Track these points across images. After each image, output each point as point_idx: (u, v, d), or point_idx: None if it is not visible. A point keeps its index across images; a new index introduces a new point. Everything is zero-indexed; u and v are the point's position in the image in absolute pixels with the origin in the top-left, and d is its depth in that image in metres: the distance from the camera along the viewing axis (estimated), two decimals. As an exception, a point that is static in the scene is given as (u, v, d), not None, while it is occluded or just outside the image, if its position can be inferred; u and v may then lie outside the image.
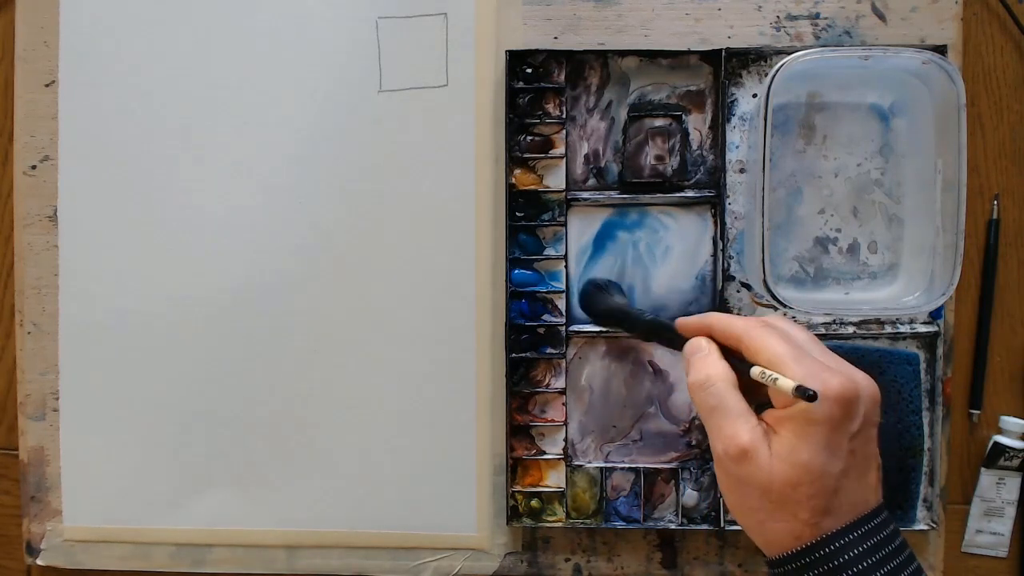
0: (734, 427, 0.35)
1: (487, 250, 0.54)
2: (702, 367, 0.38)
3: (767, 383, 0.35)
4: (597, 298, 0.52)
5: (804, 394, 0.33)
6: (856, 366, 0.36)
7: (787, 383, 0.34)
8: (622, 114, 0.54)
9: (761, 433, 0.35)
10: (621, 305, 0.51)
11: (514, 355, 0.54)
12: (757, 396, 0.37)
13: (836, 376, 0.34)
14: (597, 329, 0.54)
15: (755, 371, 0.36)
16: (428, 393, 0.55)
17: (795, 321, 0.40)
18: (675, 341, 0.42)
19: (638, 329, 0.49)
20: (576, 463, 0.55)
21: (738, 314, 0.53)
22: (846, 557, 0.33)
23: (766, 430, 0.35)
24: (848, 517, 0.34)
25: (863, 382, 0.35)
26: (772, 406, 0.36)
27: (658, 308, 0.54)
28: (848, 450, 0.34)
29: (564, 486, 0.55)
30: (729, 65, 0.53)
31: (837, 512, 0.34)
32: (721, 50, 0.52)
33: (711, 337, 0.39)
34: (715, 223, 0.54)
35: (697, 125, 0.54)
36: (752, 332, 0.37)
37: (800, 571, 0.34)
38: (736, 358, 0.38)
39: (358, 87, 0.54)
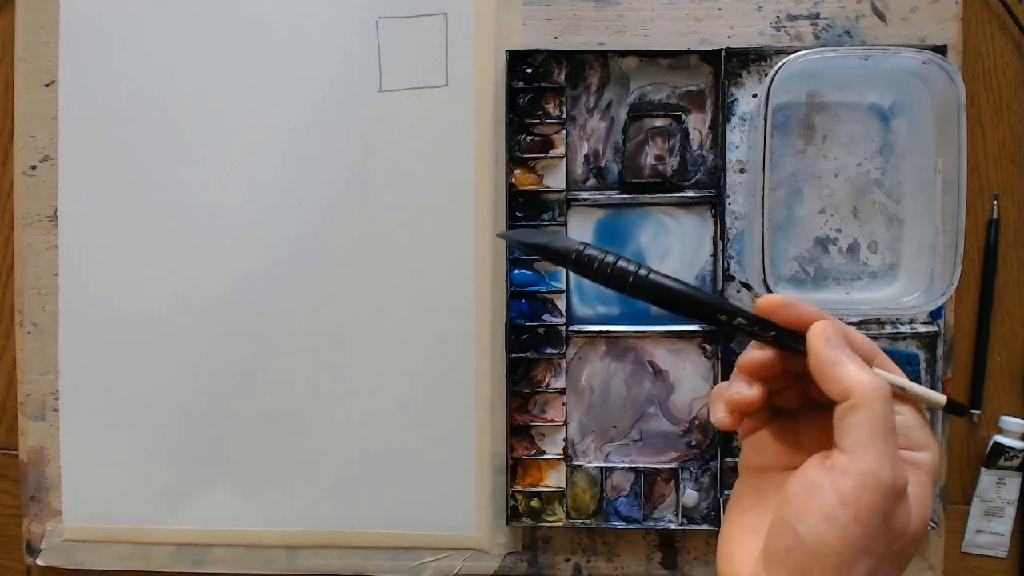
0: (900, 458, 0.30)
1: (487, 250, 0.54)
2: (873, 373, 0.31)
3: (909, 394, 0.31)
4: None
5: (955, 408, 0.31)
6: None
7: (937, 395, 0.31)
8: (622, 114, 0.54)
9: None
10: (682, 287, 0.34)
11: (514, 355, 0.54)
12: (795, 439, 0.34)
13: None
14: (597, 329, 0.54)
15: (884, 376, 0.31)
16: (428, 393, 0.55)
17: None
18: (781, 335, 0.32)
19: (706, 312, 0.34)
20: (576, 463, 0.55)
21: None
22: None
23: None
24: None
25: None
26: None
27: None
28: None
29: (564, 486, 0.55)
30: (729, 65, 0.53)
31: None
32: (721, 50, 0.52)
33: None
34: (715, 223, 0.54)
35: (697, 125, 0.54)
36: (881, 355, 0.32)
37: None
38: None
39: (358, 87, 0.54)
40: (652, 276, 0.32)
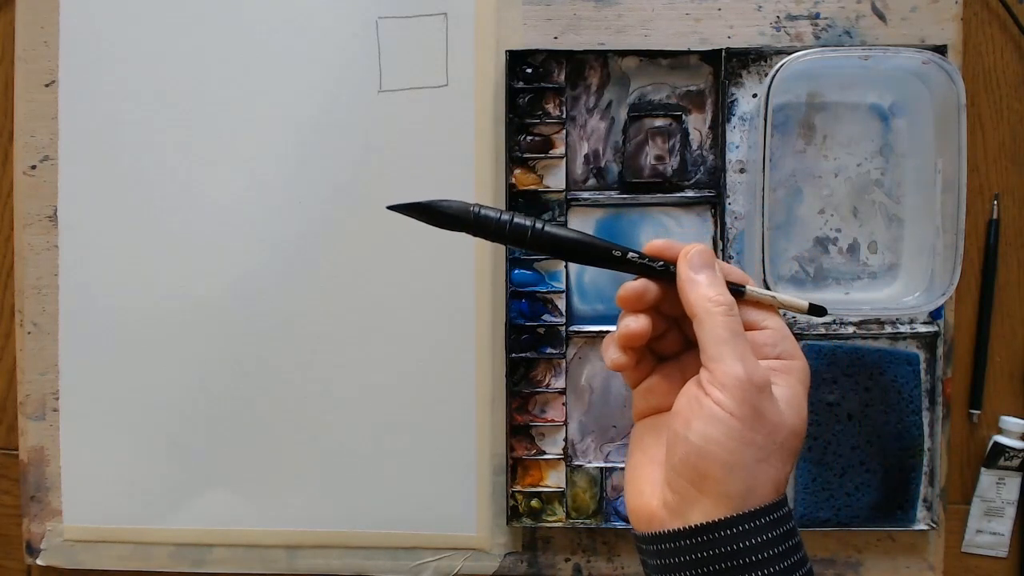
0: (755, 358, 0.33)
1: (487, 250, 0.54)
2: (722, 287, 0.35)
3: (779, 303, 0.37)
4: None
5: (816, 310, 0.36)
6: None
7: (800, 301, 0.36)
8: (622, 114, 0.54)
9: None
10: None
11: (514, 355, 0.54)
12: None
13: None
14: (597, 329, 0.54)
15: (755, 292, 0.36)
16: (428, 393, 0.55)
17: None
18: (665, 266, 0.36)
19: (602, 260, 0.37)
20: (576, 463, 0.55)
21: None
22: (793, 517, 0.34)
23: None
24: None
25: None
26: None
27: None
28: None
29: (564, 486, 0.55)
30: (729, 65, 0.53)
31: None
32: (721, 50, 0.52)
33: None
34: (715, 223, 0.54)
35: (697, 125, 0.54)
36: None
37: (782, 520, 0.33)
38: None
39: (358, 87, 0.54)
40: (548, 228, 0.36)
